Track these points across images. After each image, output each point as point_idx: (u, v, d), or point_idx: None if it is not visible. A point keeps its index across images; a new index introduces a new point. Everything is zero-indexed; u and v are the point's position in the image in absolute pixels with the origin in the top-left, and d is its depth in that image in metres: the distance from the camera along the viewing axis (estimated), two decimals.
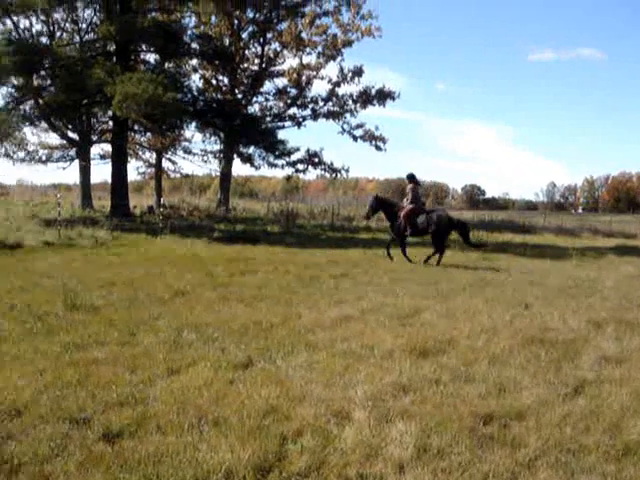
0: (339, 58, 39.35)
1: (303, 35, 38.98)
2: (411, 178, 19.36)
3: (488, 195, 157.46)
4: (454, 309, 10.60)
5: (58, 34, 36.38)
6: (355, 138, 39.98)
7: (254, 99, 40.47)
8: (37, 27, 36.15)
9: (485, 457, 4.78)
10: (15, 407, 5.41)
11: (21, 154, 38.58)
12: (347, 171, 40.37)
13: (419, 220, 18.46)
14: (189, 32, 33.62)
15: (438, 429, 5.19)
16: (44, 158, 40.57)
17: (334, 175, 40.41)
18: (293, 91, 40.25)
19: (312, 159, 38.76)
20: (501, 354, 7.59)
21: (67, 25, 36.64)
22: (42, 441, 4.78)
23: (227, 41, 38.27)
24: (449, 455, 4.78)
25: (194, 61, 37.83)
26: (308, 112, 40.14)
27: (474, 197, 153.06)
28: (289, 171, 39.60)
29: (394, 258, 18.41)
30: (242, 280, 13.37)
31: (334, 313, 9.81)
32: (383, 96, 39.31)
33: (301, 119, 40.15)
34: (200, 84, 38.46)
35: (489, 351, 7.66)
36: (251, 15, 37.69)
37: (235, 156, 38.72)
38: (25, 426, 5.06)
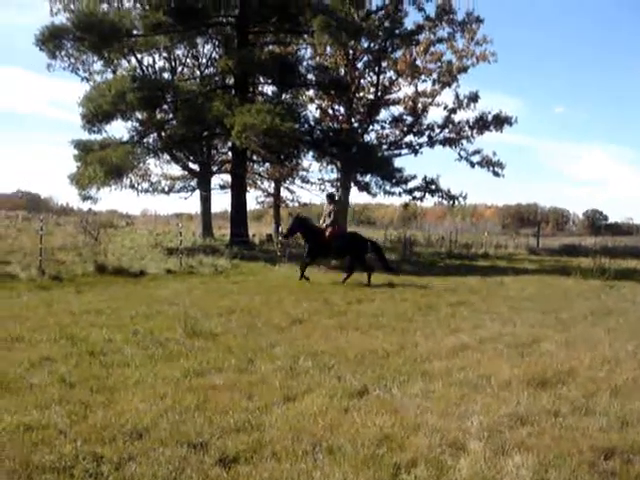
0: (454, 84, 39.05)
1: (418, 63, 38.90)
2: (331, 198, 19.42)
3: (611, 220, 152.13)
4: (574, 338, 10.32)
5: (179, 69, 37.88)
6: (472, 164, 39.51)
7: (370, 127, 40.57)
8: (160, 63, 37.56)
9: None
10: (137, 430, 5.60)
11: (145, 185, 40.11)
12: (465, 198, 39.85)
13: (339, 242, 18.52)
14: (305, 63, 34.13)
15: (556, 463, 5.06)
16: (167, 189, 41.95)
17: (451, 202, 39.96)
18: (409, 119, 40.13)
19: (429, 186, 38.46)
20: (624, 386, 7.34)
21: (188, 61, 38.13)
22: (161, 464, 4.93)
23: (342, 71, 38.59)
24: None
25: (310, 91, 38.34)
26: (424, 139, 39.93)
27: (596, 222, 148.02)
28: (406, 199, 39.39)
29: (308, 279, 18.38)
30: (359, 308, 13.41)
31: (451, 342, 9.73)
32: (500, 121, 38.76)
33: (417, 146, 39.96)
34: (317, 114, 38.90)
35: (611, 383, 7.41)
36: (366, 45, 37.90)
37: (352, 184, 38.91)
38: (146, 448, 5.23)
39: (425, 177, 38.37)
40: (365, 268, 18.57)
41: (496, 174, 39.46)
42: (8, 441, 5.32)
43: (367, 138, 39.43)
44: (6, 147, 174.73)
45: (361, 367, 8.00)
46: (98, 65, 35.32)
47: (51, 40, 26.92)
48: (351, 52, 38.15)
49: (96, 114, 26.86)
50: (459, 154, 39.73)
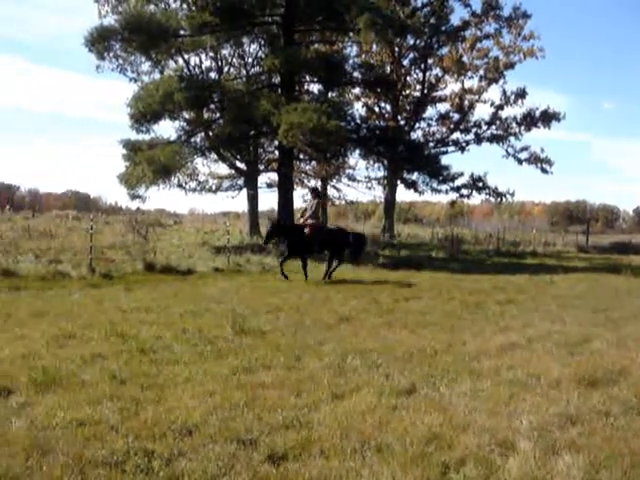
0: (501, 81, 38.85)
1: (464, 59, 38.75)
2: (316, 192, 19.08)
3: None
4: (625, 337, 10.17)
5: (226, 69, 38.09)
6: (520, 161, 39.22)
7: (417, 125, 40.54)
8: (206, 63, 37.85)
9: None
10: (186, 426, 5.66)
11: (193, 184, 40.31)
12: (512, 195, 39.58)
13: (320, 236, 18.20)
14: (351, 61, 34.08)
15: (608, 463, 4.99)
16: (214, 188, 42.17)
17: (499, 199, 39.70)
18: (456, 116, 40.00)
19: (476, 184, 38.24)
20: None
21: (234, 60, 38.34)
22: (211, 460, 4.97)
23: (388, 68, 38.57)
24: None
25: (357, 89, 38.40)
26: (471, 136, 39.77)
27: None
28: (453, 196, 39.28)
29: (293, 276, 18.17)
30: (406, 306, 13.37)
31: (499, 340, 9.65)
32: (547, 118, 38.41)
33: (464, 144, 39.81)
34: (363, 112, 38.95)
35: None
36: (412, 42, 37.84)
37: (399, 182, 38.82)
38: (195, 445, 5.28)
39: (472, 174, 38.23)
40: (339, 262, 18.64)
41: (544, 171, 39.19)
42: (62, 436, 5.41)
43: (414, 136, 39.42)
44: (56, 148, 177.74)
45: (409, 365, 7.99)
46: (146, 66, 35.88)
47: (100, 42, 27.28)
48: (397, 49, 38.17)
49: (144, 114, 27.17)
50: (506, 151, 39.56)
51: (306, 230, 18.12)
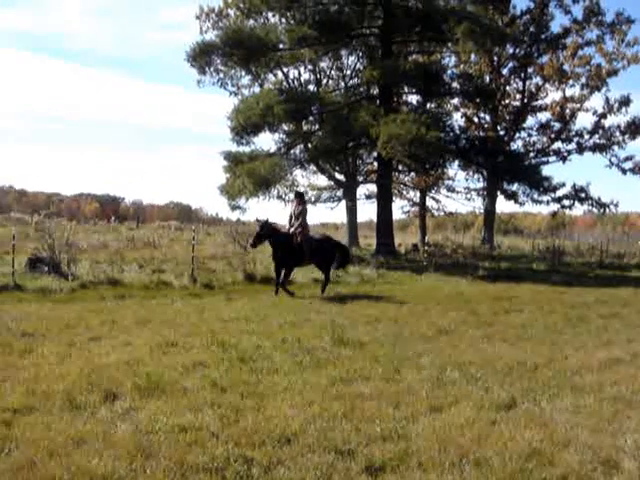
0: (604, 89, 37.82)
1: (565, 67, 37.92)
2: (300, 197, 17.90)
3: None
4: None
5: (324, 81, 38.39)
6: (624, 171, 38.09)
7: (517, 135, 39.90)
8: (305, 76, 38.25)
9: None
10: (285, 435, 5.75)
11: (292, 196, 40.69)
12: (616, 206, 38.49)
13: (310, 245, 16.84)
14: (449, 72, 33.96)
15: None
16: (313, 199, 42.41)
17: (602, 210, 38.68)
18: (557, 125, 39.16)
19: (578, 194, 37.34)
20: None
21: (333, 72, 38.59)
22: (309, 469, 5.03)
23: (487, 78, 38.15)
24: None
25: (455, 100, 38.09)
26: (573, 146, 38.85)
27: None
28: (554, 207, 38.45)
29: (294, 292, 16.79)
30: (506, 319, 13.18)
31: (602, 355, 9.41)
32: None
33: (566, 153, 38.93)
34: (462, 122, 38.58)
35: None
36: (511, 51, 37.39)
37: (499, 193, 38.29)
38: (294, 453, 5.36)
39: (574, 185, 37.33)
40: (328, 275, 17.41)
41: None
42: (164, 441, 5.58)
43: (513, 146, 38.87)
44: (159, 161, 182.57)
45: (509, 379, 7.89)
46: (246, 79, 36.72)
47: (201, 56, 27.99)
48: (496, 59, 37.76)
49: (245, 127, 27.64)
50: (610, 160, 38.47)
51: (296, 238, 16.84)
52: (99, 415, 6.33)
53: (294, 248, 16.68)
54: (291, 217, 17.30)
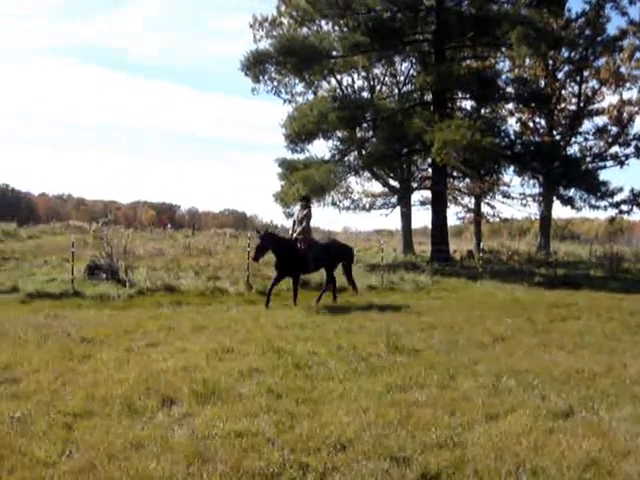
0: None
1: (622, 70, 37.31)
2: (306, 201, 17.14)
3: None
4: None
5: (378, 88, 38.39)
6: None
7: (573, 139, 39.34)
8: (358, 83, 38.28)
9: None
10: (340, 441, 5.77)
11: (346, 202, 40.61)
12: None
13: (315, 252, 16.13)
14: (504, 76, 33.60)
15: None
16: (367, 206, 42.29)
17: None
18: (614, 129, 38.48)
19: (637, 199, 36.65)
20: None
21: (386, 79, 38.55)
22: (364, 476, 5.05)
23: (542, 82, 37.71)
24: None
25: (510, 105, 37.72)
26: (631, 150, 38.09)
27: None
28: (612, 213, 37.83)
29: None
30: (563, 326, 13.02)
31: None
32: None
33: (624, 158, 38.24)
34: (517, 127, 38.19)
35: None
36: (566, 54, 36.89)
37: (555, 199, 37.80)
38: (349, 460, 5.38)
39: (632, 190, 36.61)
40: (333, 282, 16.82)
41: None
42: (220, 446, 5.65)
43: (570, 150, 38.25)
44: (213, 169, 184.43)
45: (566, 387, 7.79)
46: (299, 87, 36.79)
47: (256, 65, 28.27)
48: (551, 62, 37.27)
49: (299, 134, 27.86)
50: None
51: (300, 245, 16.15)
52: (157, 420, 6.44)
53: (299, 255, 16.04)
54: (294, 223, 16.86)
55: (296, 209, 17.21)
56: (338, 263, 17.11)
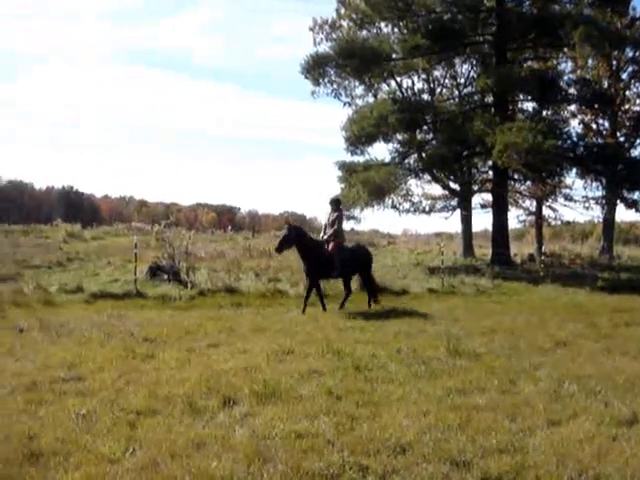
0: None
1: None
2: (336, 204, 16.51)
3: None
4: None
5: (438, 90, 38.11)
6: None
7: (637, 142, 38.61)
8: (419, 85, 38.07)
9: None
10: (400, 444, 5.78)
11: (406, 205, 40.34)
12: None
13: (343, 256, 15.58)
14: (566, 77, 33.08)
15: None
16: (427, 208, 41.99)
17: None
18: None
19: None
20: None
21: (446, 81, 38.28)
22: (424, 479, 5.05)
23: (606, 83, 37.08)
24: None
25: (572, 106, 37.17)
26: None
27: None
28: None
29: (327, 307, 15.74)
30: (627, 332, 12.77)
31: None
32: None
33: None
34: (579, 129, 37.61)
35: None
36: (630, 54, 36.20)
37: (619, 202, 37.13)
38: (409, 463, 5.39)
39: None
40: (349, 289, 16.46)
41: None
42: (281, 446, 5.72)
43: (634, 153, 37.46)
44: (272, 172, 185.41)
45: (630, 394, 7.66)
46: (359, 90, 36.66)
47: (315, 68, 28.38)
48: (615, 63, 36.60)
49: (359, 137, 27.89)
50: None
51: (329, 246, 15.81)
52: (218, 419, 6.54)
53: (324, 257, 15.61)
54: (325, 225, 16.57)
55: (328, 213, 16.62)
56: (362, 269, 16.71)
